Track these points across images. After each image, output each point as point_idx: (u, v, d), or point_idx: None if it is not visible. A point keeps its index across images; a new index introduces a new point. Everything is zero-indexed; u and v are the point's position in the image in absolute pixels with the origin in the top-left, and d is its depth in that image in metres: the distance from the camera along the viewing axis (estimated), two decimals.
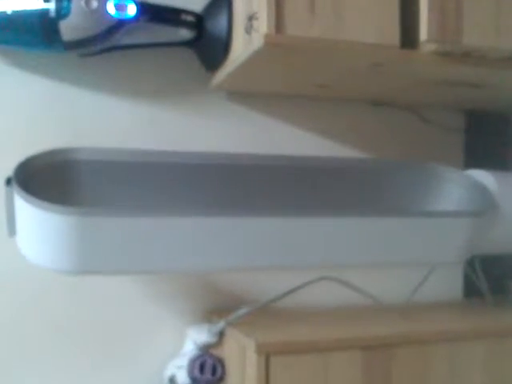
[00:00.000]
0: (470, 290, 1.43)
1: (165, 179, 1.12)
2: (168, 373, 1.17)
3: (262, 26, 0.97)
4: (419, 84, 1.22)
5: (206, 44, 1.18)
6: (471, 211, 1.14)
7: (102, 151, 1.08)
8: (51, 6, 1.05)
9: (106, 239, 0.94)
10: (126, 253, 0.96)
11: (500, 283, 1.43)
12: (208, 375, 1.10)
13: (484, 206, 1.13)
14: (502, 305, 1.33)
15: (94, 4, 1.06)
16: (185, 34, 1.18)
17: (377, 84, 1.24)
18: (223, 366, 1.11)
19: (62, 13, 1.05)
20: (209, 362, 1.10)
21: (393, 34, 1.04)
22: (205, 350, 1.16)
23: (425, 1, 1.01)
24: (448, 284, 1.45)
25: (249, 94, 1.31)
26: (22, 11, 1.06)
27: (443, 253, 1.15)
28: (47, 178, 1.01)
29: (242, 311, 1.10)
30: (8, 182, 0.94)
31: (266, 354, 0.98)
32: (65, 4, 1.05)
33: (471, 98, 1.38)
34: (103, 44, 1.11)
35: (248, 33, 1.03)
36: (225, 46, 1.13)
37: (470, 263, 1.29)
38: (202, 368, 1.10)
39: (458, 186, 1.22)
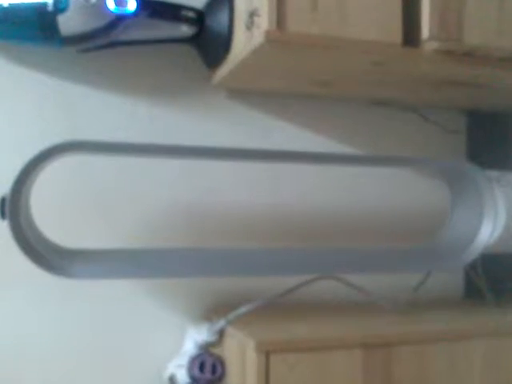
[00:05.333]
0: (471, 289, 1.43)
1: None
2: (168, 372, 1.17)
3: (264, 22, 0.97)
4: (420, 83, 1.23)
5: (207, 40, 1.18)
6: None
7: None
8: None
9: None
10: None
11: (501, 283, 1.42)
12: (208, 374, 1.09)
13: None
14: (502, 305, 1.32)
15: None
16: (185, 30, 1.17)
17: (378, 83, 1.24)
18: (223, 365, 1.11)
19: (59, 7, 1.04)
20: (209, 361, 1.10)
21: (395, 32, 1.04)
22: (205, 349, 1.16)
23: None
24: (449, 284, 1.45)
25: (249, 91, 1.31)
26: (18, 4, 1.04)
27: None
28: None
29: (242, 310, 1.10)
30: (2, 207, 0.91)
31: (266, 353, 0.97)
32: None
33: (473, 98, 1.38)
34: (102, 40, 1.10)
35: (249, 29, 1.03)
36: (226, 42, 1.13)
37: (471, 263, 1.29)
38: (201, 367, 1.10)
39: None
